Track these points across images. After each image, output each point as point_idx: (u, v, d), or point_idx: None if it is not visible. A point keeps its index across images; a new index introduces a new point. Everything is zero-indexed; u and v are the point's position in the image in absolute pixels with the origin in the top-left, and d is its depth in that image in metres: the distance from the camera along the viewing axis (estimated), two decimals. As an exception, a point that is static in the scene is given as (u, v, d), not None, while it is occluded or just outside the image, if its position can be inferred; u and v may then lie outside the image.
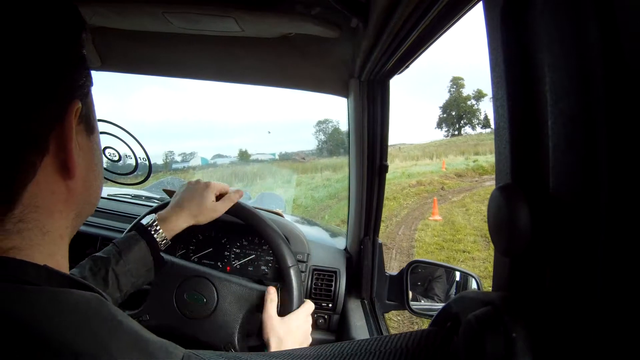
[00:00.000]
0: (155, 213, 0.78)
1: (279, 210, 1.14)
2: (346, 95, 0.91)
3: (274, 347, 0.74)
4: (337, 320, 0.99)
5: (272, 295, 0.79)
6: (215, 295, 0.79)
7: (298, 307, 0.80)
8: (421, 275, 1.08)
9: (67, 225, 0.32)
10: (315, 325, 0.99)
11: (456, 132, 41.59)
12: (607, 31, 0.16)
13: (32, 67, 0.26)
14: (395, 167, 15.26)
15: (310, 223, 1.50)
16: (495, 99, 0.24)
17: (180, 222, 0.76)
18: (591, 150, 0.17)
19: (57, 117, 0.29)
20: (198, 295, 0.79)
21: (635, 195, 0.16)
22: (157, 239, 0.73)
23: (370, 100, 0.83)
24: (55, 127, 0.29)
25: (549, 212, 0.20)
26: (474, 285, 1.01)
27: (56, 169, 0.29)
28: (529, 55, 0.22)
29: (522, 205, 0.20)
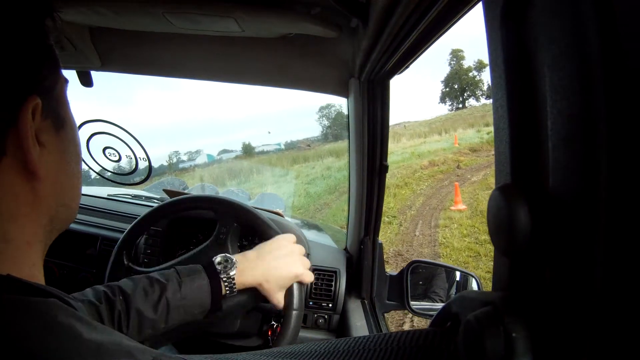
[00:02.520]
0: (231, 255, 0.69)
1: (279, 210, 1.14)
2: (346, 95, 0.91)
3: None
4: (337, 320, 0.99)
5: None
6: None
7: (299, 308, 0.79)
8: (421, 275, 1.08)
9: (35, 231, 0.29)
10: (315, 325, 1.00)
11: (460, 105, 40.44)
12: (607, 31, 0.16)
13: None
14: (402, 147, 13.64)
15: (311, 223, 1.51)
16: (495, 99, 0.24)
17: (252, 280, 0.67)
18: (591, 150, 0.17)
19: (11, 115, 0.26)
20: None
21: (635, 195, 0.16)
22: (225, 283, 0.64)
23: (370, 100, 0.83)
24: (10, 126, 0.26)
25: (549, 212, 0.20)
26: (474, 285, 1.01)
27: (18, 171, 0.27)
28: (529, 56, 0.22)
29: (522, 205, 0.20)
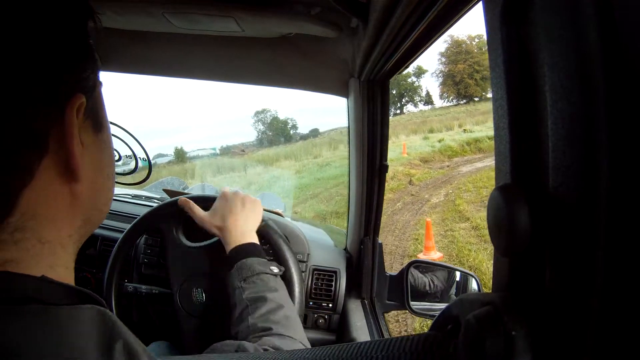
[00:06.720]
0: None
1: (279, 210, 1.14)
2: (346, 95, 0.91)
3: (220, 230, 0.75)
4: (337, 320, 0.99)
5: (188, 204, 0.81)
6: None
7: (299, 307, 0.79)
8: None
9: (70, 233, 0.28)
10: (315, 325, 0.99)
11: (398, 111, 39.44)
12: (607, 30, 0.16)
13: (28, 56, 0.24)
14: (341, 155, 10.48)
15: (311, 223, 1.50)
16: (495, 99, 0.24)
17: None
18: (591, 150, 0.17)
19: (56, 112, 0.26)
20: (198, 294, 0.80)
21: (635, 195, 0.16)
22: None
23: (370, 100, 0.83)
24: (54, 123, 0.25)
25: (549, 212, 0.20)
26: (474, 286, 1.01)
27: (58, 171, 0.26)
28: (529, 55, 0.22)
29: (522, 205, 0.20)
